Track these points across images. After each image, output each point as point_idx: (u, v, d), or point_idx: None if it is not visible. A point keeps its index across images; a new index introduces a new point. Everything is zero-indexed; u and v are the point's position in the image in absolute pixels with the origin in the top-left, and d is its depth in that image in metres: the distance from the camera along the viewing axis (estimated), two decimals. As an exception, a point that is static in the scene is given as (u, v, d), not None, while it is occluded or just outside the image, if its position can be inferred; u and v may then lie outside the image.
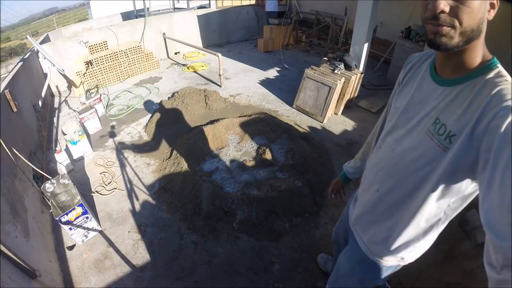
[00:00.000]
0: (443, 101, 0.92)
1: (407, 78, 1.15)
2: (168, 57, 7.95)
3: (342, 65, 4.61)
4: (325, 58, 5.11)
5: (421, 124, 0.98)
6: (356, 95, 5.01)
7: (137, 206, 3.08)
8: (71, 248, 2.67)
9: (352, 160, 1.66)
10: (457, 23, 0.80)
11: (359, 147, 3.78)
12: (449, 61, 0.92)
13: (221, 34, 9.04)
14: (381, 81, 6.15)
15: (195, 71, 6.75)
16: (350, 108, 4.92)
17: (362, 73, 4.82)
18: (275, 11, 8.78)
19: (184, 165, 3.37)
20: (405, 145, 1.04)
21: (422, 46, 5.41)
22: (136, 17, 8.89)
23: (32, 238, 2.34)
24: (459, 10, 0.78)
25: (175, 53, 8.09)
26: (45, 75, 5.57)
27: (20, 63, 4.68)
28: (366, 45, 5.01)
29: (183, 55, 7.97)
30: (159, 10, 10.00)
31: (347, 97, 4.65)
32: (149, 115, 4.78)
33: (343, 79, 4.36)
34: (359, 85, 4.93)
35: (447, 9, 0.79)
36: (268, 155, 3.63)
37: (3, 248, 1.76)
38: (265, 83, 6.04)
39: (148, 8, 8.19)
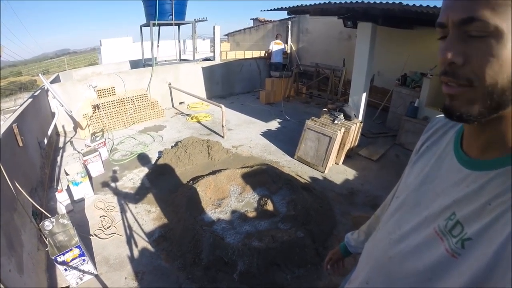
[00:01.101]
0: (465, 189, 0.63)
1: (425, 148, 0.85)
2: (173, 106, 8.16)
3: (342, 115, 4.73)
4: (325, 109, 5.25)
5: (431, 216, 0.70)
6: (356, 144, 5.09)
7: (136, 253, 3.02)
8: None
9: (356, 232, 1.38)
10: (476, 80, 0.54)
11: (361, 196, 3.84)
12: (478, 134, 0.64)
13: (224, 85, 9.35)
14: (380, 129, 6.30)
15: (198, 121, 6.90)
16: (350, 157, 4.97)
17: (361, 122, 4.94)
18: (280, 62, 9.17)
19: (185, 215, 3.35)
20: (406, 239, 0.75)
21: (418, 92, 5.61)
22: (144, 66, 9.21)
23: (26, 274, 2.29)
24: (479, 59, 0.52)
25: (180, 103, 8.32)
26: (53, 114, 5.72)
27: (30, 100, 4.81)
28: (364, 95, 5.19)
29: (188, 105, 8.19)
30: (166, 61, 10.39)
31: (347, 146, 4.72)
32: (152, 162, 4.83)
33: (343, 129, 4.45)
34: (359, 134, 5.03)
35: (459, 60, 0.55)
36: (269, 206, 3.61)
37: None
38: (267, 134, 6.15)
39: (155, 58, 8.55)
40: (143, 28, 9.95)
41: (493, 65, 0.51)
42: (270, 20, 13.06)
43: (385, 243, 0.82)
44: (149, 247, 3.10)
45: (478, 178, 0.60)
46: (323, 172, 4.52)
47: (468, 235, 0.58)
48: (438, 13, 0.60)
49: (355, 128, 4.73)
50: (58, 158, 5.02)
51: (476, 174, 0.62)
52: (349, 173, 4.55)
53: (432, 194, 0.72)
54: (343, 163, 4.81)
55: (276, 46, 9.13)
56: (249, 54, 10.06)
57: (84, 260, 2.60)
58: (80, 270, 2.61)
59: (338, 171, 4.61)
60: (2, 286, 1.76)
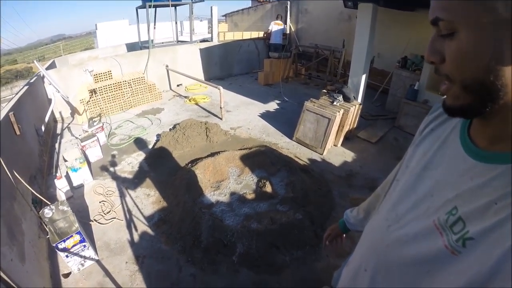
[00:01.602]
0: (469, 182, 0.59)
1: (429, 130, 0.80)
2: (171, 88, 8.09)
3: (341, 96, 4.69)
4: (324, 91, 5.21)
5: (432, 207, 0.66)
6: (355, 126, 5.07)
7: (136, 237, 3.04)
8: (66, 276, 2.63)
9: (355, 209, 1.36)
10: (452, 76, 0.55)
11: (359, 178, 3.85)
12: (485, 125, 0.60)
13: (222, 67, 9.24)
14: (379, 111, 6.28)
15: (196, 104, 6.86)
16: (349, 139, 4.96)
17: (360, 104, 4.91)
18: (280, 43, 9.06)
19: (184, 197, 3.36)
20: (405, 228, 0.71)
21: (418, 75, 5.54)
22: (141, 49, 9.12)
23: (28, 263, 2.30)
24: (450, 56, 0.54)
25: (178, 85, 8.25)
26: (50, 101, 5.67)
27: (26, 87, 4.78)
28: (364, 77, 5.14)
29: (185, 87, 8.12)
30: (163, 43, 10.30)
31: (346, 128, 4.71)
32: (150, 146, 4.82)
33: (342, 111, 4.43)
34: (358, 116, 5.00)
35: (436, 59, 0.57)
36: (268, 188, 3.62)
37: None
38: (265, 116, 6.13)
39: (152, 40, 8.44)
40: (139, 10, 9.80)
41: (462, 59, 0.52)
42: (269, 0, 12.84)
43: (383, 229, 0.79)
44: (149, 230, 3.12)
45: (485, 171, 0.56)
46: (322, 154, 4.52)
47: (470, 234, 0.55)
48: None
49: (354, 110, 4.70)
50: (56, 145, 5.00)
51: (482, 166, 0.58)
52: (348, 155, 4.55)
53: (433, 182, 0.69)
54: (341, 145, 4.81)
55: (276, 26, 9.00)
56: (247, 35, 9.94)
57: (85, 246, 2.62)
58: (81, 256, 2.63)
59: (336, 153, 4.61)
60: (4, 276, 1.77)
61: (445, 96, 0.60)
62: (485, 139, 0.60)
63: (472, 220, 0.55)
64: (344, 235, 1.43)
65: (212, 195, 3.56)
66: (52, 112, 5.62)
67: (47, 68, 6.25)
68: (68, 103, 5.94)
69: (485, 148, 0.59)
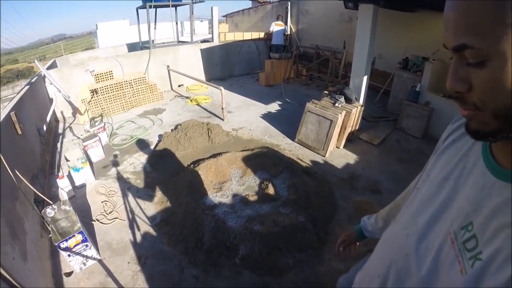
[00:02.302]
0: (487, 199, 0.57)
1: (451, 141, 0.79)
2: (172, 89, 8.09)
3: (343, 98, 4.69)
4: (326, 92, 5.21)
5: (449, 219, 0.66)
6: (357, 128, 5.07)
7: (138, 237, 3.04)
8: (68, 274, 2.63)
9: (373, 216, 1.33)
10: (482, 105, 0.51)
11: (362, 181, 3.85)
12: (507, 145, 0.57)
13: (223, 67, 9.24)
14: (381, 113, 6.27)
15: (198, 104, 6.85)
16: (351, 141, 4.96)
17: (362, 105, 4.90)
18: (281, 44, 9.05)
19: (186, 198, 3.36)
20: (424, 241, 0.71)
21: (420, 76, 5.54)
22: (142, 49, 9.11)
23: (30, 262, 2.30)
24: (480, 85, 0.50)
25: (179, 86, 8.25)
26: (51, 100, 5.68)
27: (27, 87, 4.78)
28: (365, 78, 5.13)
29: (187, 87, 8.12)
30: (163, 43, 10.28)
31: (348, 130, 4.70)
32: (152, 146, 4.81)
33: (344, 112, 4.42)
34: (360, 118, 5.00)
35: (462, 88, 0.53)
36: (270, 190, 3.62)
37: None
38: (267, 117, 6.12)
39: (153, 41, 8.43)
40: (139, 10, 9.80)
41: (495, 89, 0.48)
42: (269, 1, 12.82)
43: (402, 237, 0.79)
44: (151, 231, 3.11)
45: (503, 190, 0.54)
46: (324, 156, 4.51)
47: (481, 255, 0.54)
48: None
49: (356, 111, 4.70)
50: (58, 144, 4.99)
51: (501, 184, 0.56)
52: (350, 157, 4.55)
53: (453, 194, 0.67)
54: (344, 146, 4.81)
55: (277, 27, 9.00)
56: (248, 36, 9.92)
57: (87, 246, 2.61)
58: (83, 256, 2.63)
59: (339, 155, 4.61)
60: (6, 274, 1.76)
61: (464, 117, 0.57)
62: (507, 158, 0.57)
63: (485, 241, 0.54)
64: (358, 242, 1.40)
65: (214, 197, 3.56)
66: (54, 111, 5.62)
67: (48, 68, 6.25)
68: (70, 103, 5.93)
69: (506, 166, 0.57)
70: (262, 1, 14.57)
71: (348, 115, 4.50)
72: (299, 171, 3.90)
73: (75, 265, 2.62)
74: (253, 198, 3.54)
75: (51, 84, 5.39)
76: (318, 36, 9.27)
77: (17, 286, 1.83)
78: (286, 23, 9.76)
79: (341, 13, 8.28)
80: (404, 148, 4.83)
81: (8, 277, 1.77)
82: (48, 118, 5.00)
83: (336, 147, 4.80)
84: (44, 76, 5.63)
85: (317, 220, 3.11)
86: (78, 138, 5.02)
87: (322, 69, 8.78)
